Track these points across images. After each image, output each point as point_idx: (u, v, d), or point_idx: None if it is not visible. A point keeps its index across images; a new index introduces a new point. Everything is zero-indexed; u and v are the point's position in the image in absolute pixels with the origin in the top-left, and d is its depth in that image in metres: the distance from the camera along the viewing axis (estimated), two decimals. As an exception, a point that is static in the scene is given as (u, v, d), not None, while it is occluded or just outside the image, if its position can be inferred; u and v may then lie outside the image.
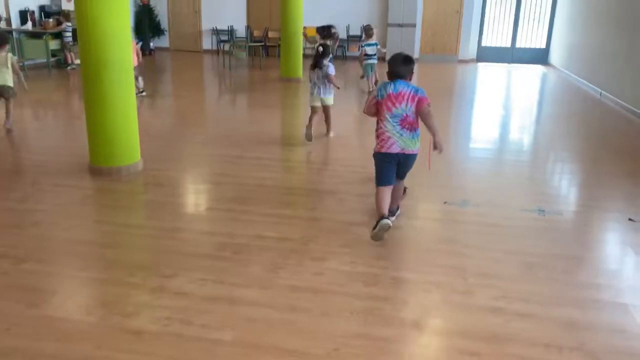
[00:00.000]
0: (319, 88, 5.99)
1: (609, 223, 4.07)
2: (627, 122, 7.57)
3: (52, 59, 11.44)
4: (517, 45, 14.29)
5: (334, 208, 4.13)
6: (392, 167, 3.59)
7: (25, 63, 11.02)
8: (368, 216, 3.92)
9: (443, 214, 4.10)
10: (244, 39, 12.90)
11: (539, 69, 13.37)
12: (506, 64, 13.98)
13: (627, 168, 5.37)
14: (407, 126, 3.52)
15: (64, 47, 11.32)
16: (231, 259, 3.25)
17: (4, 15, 10.67)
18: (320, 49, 5.93)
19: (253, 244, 3.46)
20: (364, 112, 3.73)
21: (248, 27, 12.23)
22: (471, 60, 14.27)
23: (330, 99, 6.07)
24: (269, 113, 7.80)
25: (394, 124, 3.52)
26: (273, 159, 5.43)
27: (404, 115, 3.49)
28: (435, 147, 3.47)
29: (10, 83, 6.16)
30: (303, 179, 5.00)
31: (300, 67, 10.63)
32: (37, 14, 11.32)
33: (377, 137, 3.62)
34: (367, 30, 9.49)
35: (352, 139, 6.42)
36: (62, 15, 11.27)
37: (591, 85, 9.98)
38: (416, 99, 3.48)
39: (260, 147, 5.74)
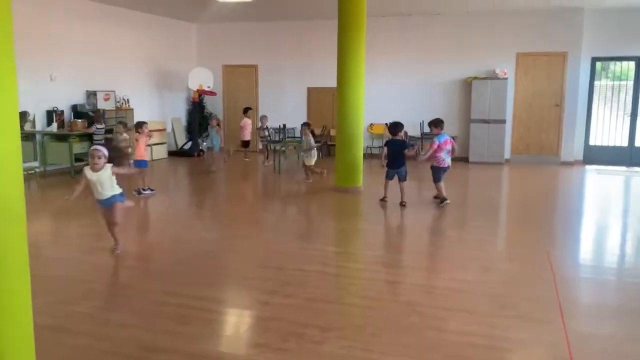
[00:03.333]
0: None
1: None
2: None
3: (81, 164, 10.08)
4: (638, 143, 11.48)
5: None
6: (443, 173, 7.22)
7: (47, 168, 9.71)
8: None
9: None
10: (298, 138, 11.07)
11: (671, 174, 10.44)
12: (624, 167, 11.16)
13: None
14: (449, 154, 7.24)
15: (92, 150, 9.94)
16: None
17: (30, 116, 9.51)
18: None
19: None
20: (425, 159, 7.48)
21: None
22: (577, 162, 11.58)
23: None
24: (307, 254, 5.46)
25: (445, 154, 7.18)
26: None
27: (448, 150, 7.21)
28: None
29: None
30: None
31: (360, 174, 8.48)
32: (67, 114, 10.12)
33: (436, 159, 7.18)
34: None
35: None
36: (95, 116, 9.98)
37: None
38: (451, 141, 7.27)
39: (274, 338, 3.44)
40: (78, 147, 9.67)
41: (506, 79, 11.38)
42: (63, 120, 9.93)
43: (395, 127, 7.45)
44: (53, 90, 9.84)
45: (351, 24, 8.11)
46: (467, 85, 11.77)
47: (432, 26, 11.94)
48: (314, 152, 9.12)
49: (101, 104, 10.64)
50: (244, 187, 9.62)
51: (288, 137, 11.31)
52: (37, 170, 8.89)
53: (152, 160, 12.00)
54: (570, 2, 10.50)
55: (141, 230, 6.55)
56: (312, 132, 9.28)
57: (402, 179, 7.31)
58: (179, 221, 6.85)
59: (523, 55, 11.57)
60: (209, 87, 12.79)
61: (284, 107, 13.35)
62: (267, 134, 11.67)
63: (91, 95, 10.59)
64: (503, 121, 11.45)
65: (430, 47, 12.02)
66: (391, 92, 12.27)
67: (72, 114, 10.19)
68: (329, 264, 5.06)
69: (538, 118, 11.66)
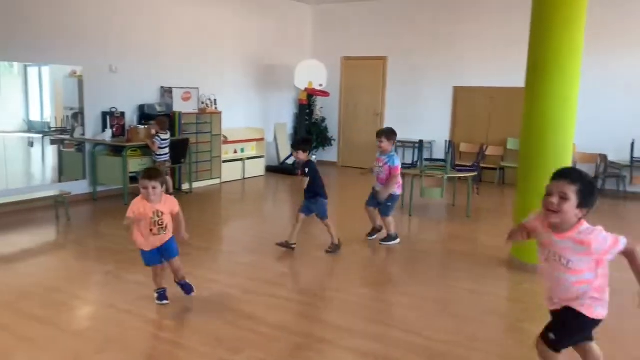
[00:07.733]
0: None
1: None
2: None
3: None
4: None
5: None
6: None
7: (98, 190, 7.28)
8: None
9: None
10: (443, 162, 7.53)
11: None
12: None
13: None
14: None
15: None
16: None
17: (77, 122, 7.15)
18: None
19: None
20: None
21: (450, 143, 6.92)
22: None
23: None
24: None
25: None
26: None
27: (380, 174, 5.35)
28: None
29: None
30: None
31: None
32: (130, 118, 7.62)
33: (398, 184, 5.34)
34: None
35: None
36: (157, 121, 7.25)
37: None
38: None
39: None
40: (136, 164, 7.10)
41: None
42: (123, 126, 7.43)
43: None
44: (113, 85, 7.39)
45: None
46: None
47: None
48: None
49: (179, 106, 8.03)
50: (351, 257, 6.29)
51: (427, 159, 7.83)
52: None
53: (245, 178, 9.25)
54: None
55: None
56: None
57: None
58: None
59: None
60: (320, 85, 9.78)
61: (421, 114, 9.95)
62: None
63: (166, 93, 8.02)
64: None
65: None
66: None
67: (137, 117, 7.69)
68: None
69: None
